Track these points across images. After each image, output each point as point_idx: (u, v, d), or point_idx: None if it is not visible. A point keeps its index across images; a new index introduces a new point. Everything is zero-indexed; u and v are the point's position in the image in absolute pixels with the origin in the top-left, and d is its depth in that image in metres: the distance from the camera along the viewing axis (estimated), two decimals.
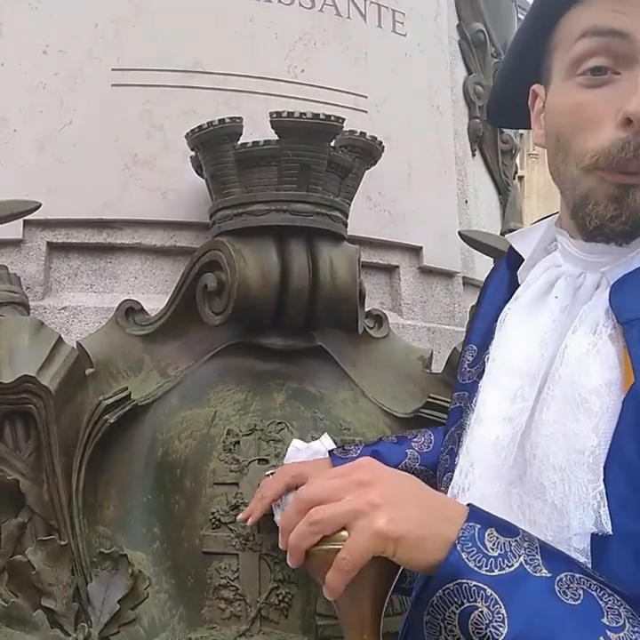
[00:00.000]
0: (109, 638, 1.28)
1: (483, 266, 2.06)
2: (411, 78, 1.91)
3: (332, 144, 1.46)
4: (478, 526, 0.69)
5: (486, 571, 0.66)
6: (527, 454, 0.80)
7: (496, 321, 0.91)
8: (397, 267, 1.87)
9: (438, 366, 1.67)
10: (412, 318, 1.86)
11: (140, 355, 1.49)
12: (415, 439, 1.26)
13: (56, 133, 1.63)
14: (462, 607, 0.66)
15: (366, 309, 1.64)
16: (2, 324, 1.34)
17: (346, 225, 1.53)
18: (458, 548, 0.67)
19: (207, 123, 1.44)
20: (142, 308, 1.52)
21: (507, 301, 0.91)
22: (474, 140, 2.15)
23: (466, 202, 2.10)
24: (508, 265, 0.96)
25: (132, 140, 1.64)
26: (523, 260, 0.92)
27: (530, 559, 0.67)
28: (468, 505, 0.73)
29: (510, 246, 0.95)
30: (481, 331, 0.97)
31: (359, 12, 1.84)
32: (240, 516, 1.30)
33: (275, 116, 1.40)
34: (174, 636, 1.30)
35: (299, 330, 1.51)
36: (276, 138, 1.41)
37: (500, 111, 1.01)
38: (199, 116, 1.56)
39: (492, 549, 0.68)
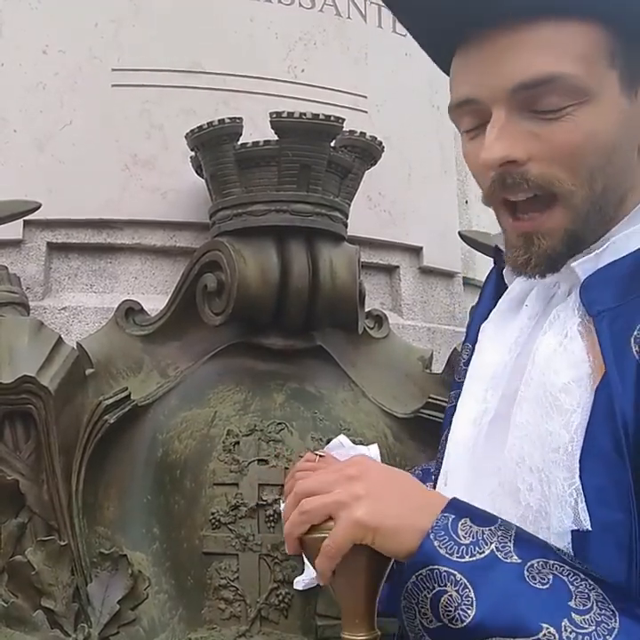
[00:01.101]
0: (109, 639, 1.28)
1: (483, 266, 2.06)
2: (411, 78, 1.91)
3: (332, 144, 1.46)
4: (452, 517, 0.73)
5: (457, 557, 0.70)
6: (504, 458, 0.82)
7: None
8: (397, 267, 1.87)
9: (438, 367, 1.67)
10: (412, 318, 1.86)
11: (139, 355, 1.49)
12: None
13: (56, 133, 1.63)
14: (433, 591, 0.70)
15: (366, 310, 1.64)
16: (2, 324, 1.34)
17: (346, 225, 1.53)
18: (431, 536, 0.71)
19: (207, 123, 1.44)
20: (142, 308, 1.52)
21: (495, 304, 0.94)
22: None
23: (466, 202, 2.10)
24: (496, 266, 0.98)
25: (132, 140, 1.64)
26: None
27: (501, 546, 0.71)
28: (451, 498, 0.76)
29: (496, 246, 0.96)
30: (474, 332, 0.99)
31: (359, 12, 1.84)
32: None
33: (274, 116, 1.40)
34: (174, 636, 1.30)
35: (299, 330, 1.50)
36: (276, 138, 1.41)
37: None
38: (199, 116, 1.56)
39: (464, 538, 0.71)
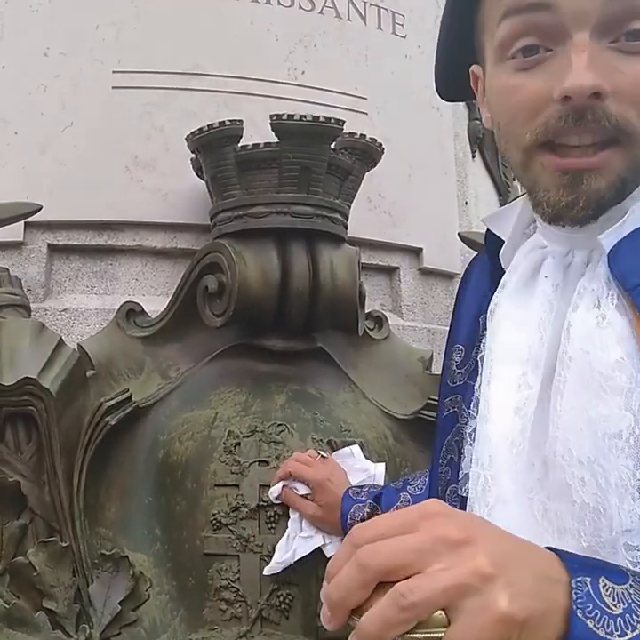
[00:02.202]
0: (110, 639, 1.28)
1: None
2: (411, 80, 1.91)
3: (333, 146, 1.46)
4: (589, 579, 0.54)
5: (619, 635, 0.52)
6: (547, 453, 0.71)
7: (481, 316, 0.85)
8: (397, 268, 1.88)
9: (438, 367, 1.67)
10: (412, 319, 1.86)
11: (140, 356, 1.49)
12: (411, 482, 1.25)
13: (57, 135, 1.63)
14: None
15: (366, 311, 1.64)
16: (3, 326, 1.35)
17: (346, 227, 1.53)
18: (579, 615, 0.52)
19: (207, 125, 1.44)
20: (143, 309, 1.52)
21: (491, 292, 0.83)
22: (474, 142, 2.15)
23: (466, 203, 2.10)
24: (488, 250, 0.88)
25: (133, 142, 1.65)
26: (502, 242, 0.85)
27: None
28: (558, 552, 0.57)
29: (487, 230, 0.87)
30: (466, 328, 0.90)
31: (359, 14, 1.84)
32: None
33: (275, 118, 1.40)
34: (175, 637, 1.31)
35: (299, 331, 1.51)
36: (277, 140, 1.42)
37: (447, 86, 0.92)
38: (200, 118, 1.56)
39: (614, 606, 0.53)
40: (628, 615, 0.53)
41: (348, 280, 1.49)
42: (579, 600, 0.52)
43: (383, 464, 1.38)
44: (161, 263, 1.67)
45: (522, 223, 0.84)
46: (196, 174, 1.58)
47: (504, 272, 0.82)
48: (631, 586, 0.55)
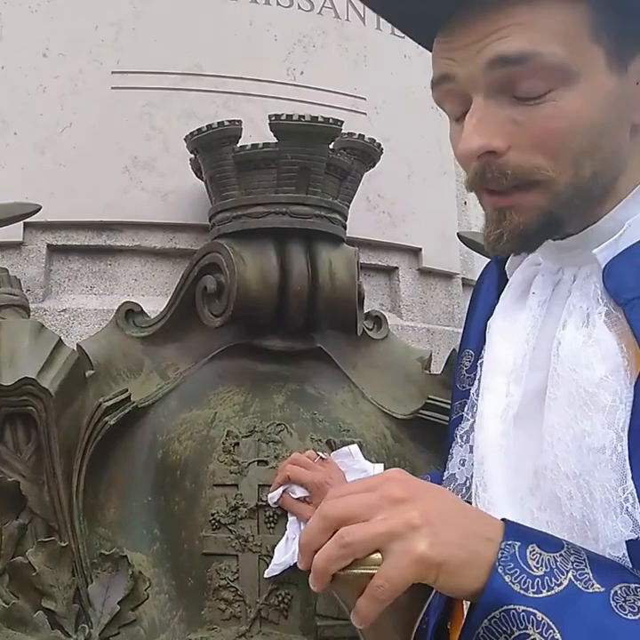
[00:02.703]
0: (110, 639, 1.29)
1: (482, 267, 2.06)
2: (410, 80, 1.91)
3: (331, 146, 1.46)
4: (518, 544, 0.63)
5: (533, 593, 0.61)
6: (538, 464, 0.75)
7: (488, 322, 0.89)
8: (397, 268, 1.88)
9: (437, 367, 1.68)
10: (411, 319, 1.86)
11: (139, 356, 1.49)
12: None
13: (56, 136, 1.63)
14: (513, 636, 0.60)
15: (366, 311, 1.64)
16: (2, 326, 1.35)
17: (345, 227, 1.53)
18: (500, 570, 0.61)
19: (206, 125, 1.44)
20: (142, 309, 1.52)
21: (497, 301, 0.89)
22: None
23: (465, 203, 2.10)
24: (496, 261, 0.93)
25: (132, 142, 1.65)
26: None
27: (579, 574, 0.62)
28: (502, 520, 0.66)
29: None
30: (476, 334, 0.94)
31: (358, 14, 1.84)
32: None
33: (274, 118, 1.40)
34: (174, 636, 1.31)
35: (298, 331, 1.51)
36: (275, 140, 1.42)
37: None
38: (199, 119, 1.57)
39: (537, 568, 0.62)
40: (546, 578, 0.61)
41: (346, 280, 1.49)
42: (502, 558, 0.62)
43: (382, 464, 1.37)
44: (160, 263, 1.67)
45: None
46: (195, 174, 1.58)
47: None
48: (561, 556, 0.63)
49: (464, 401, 0.92)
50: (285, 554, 1.29)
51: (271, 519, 1.34)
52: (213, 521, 1.34)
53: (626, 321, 0.72)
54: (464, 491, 0.84)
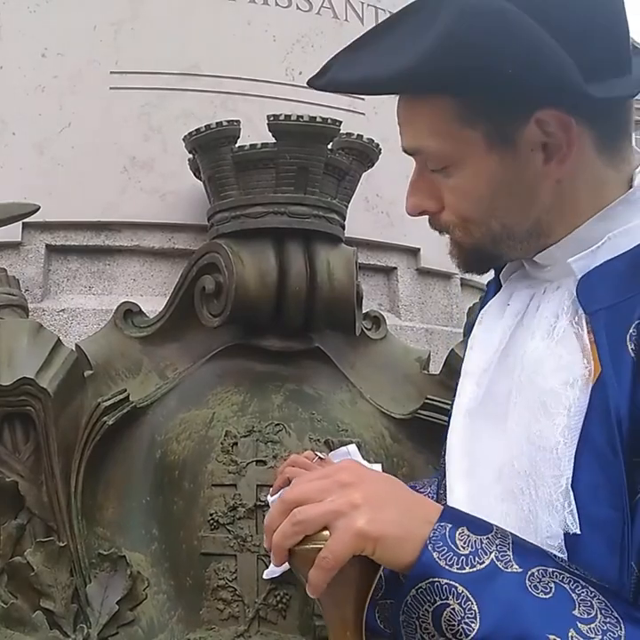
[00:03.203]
0: (108, 639, 1.29)
1: None
2: None
3: (330, 146, 1.46)
4: (449, 526, 0.71)
5: (457, 569, 0.68)
6: (498, 462, 0.83)
7: None
8: (395, 268, 1.88)
9: (436, 367, 1.68)
10: (409, 319, 1.86)
11: (138, 356, 1.49)
12: (420, 490, 1.26)
13: (55, 136, 1.63)
14: (435, 605, 0.68)
15: (364, 311, 1.64)
16: (1, 326, 1.35)
17: (343, 227, 1.54)
18: (429, 547, 0.69)
19: (205, 126, 1.45)
20: (141, 309, 1.52)
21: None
22: None
23: None
24: (494, 271, 1.00)
25: (131, 142, 1.65)
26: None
27: (501, 555, 0.69)
28: (444, 505, 0.75)
29: None
30: None
31: (356, 14, 1.85)
32: None
33: (272, 118, 1.40)
34: (173, 636, 1.31)
35: (297, 331, 1.51)
36: (274, 140, 1.42)
37: None
38: (197, 119, 1.57)
39: (463, 548, 0.69)
40: (471, 556, 0.69)
41: (345, 280, 1.49)
42: (433, 537, 0.70)
43: (380, 464, 1.37)
44: (159, 263, 1.67)
45: None
46: (194, 175, 1.58)
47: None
48: (487, 539, 0.71)
49: None
50: None
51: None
52: (212, 521, 1.34)
53: (589, 329, 0.78)
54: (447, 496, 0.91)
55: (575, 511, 0.73)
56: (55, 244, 1.64)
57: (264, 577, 1.30)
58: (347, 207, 1.55)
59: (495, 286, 0.99)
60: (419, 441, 1.51)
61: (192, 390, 1.48)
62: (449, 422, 0.98)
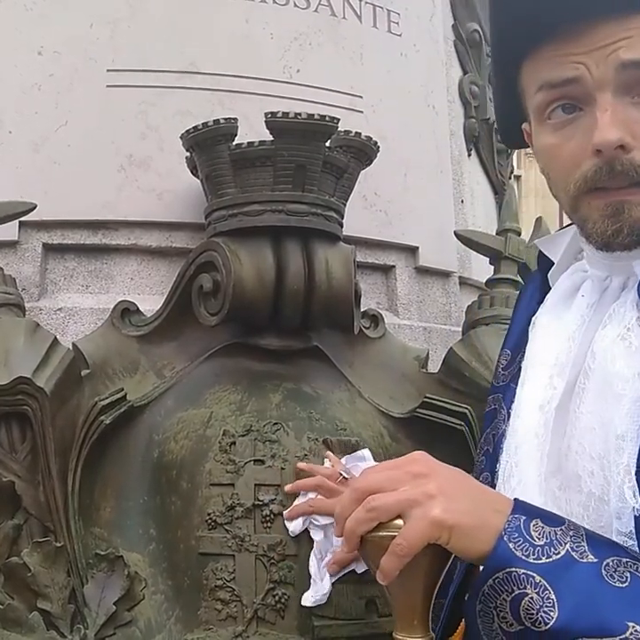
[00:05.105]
0: None
1: (479, 266, 2.06)
2: (406, 78, 1.91)
3: (328, 144, 1.46)
4: (523, 518, 0.73)
5: (534, 559, 0.71)
6: (563, 447, 0.84)
7: (529, 327, 0.97)
8: (393, 266, 1.87)
9: (434, 366, 1.67)
10: (408, 318, 1.86)
11: (135, 356, 1.49)
12: None
13: (51, 134, 1.62)
14: (513, 594, 0.70)
15: (362, 309, 1.64)
16: None
17: (341, 225, 1.53)
18: (505, 538, 0.72)
19: (202, 123, 1.44)
20: (138, 308, 1.52)
21: (539, 306, 0.97)
22: (470, 140, 2.15)
23: (462, 201, 2.10)
24: (540, 269, 1.01)
25: (128, 140, 1.64)
26: (553, 263, 0.97)
27: (576, 546, 0.72)
28: (514, 499, 0.77)
29: (540, 252, 1.01)
30: (514, 336, 1.03)
31: (354, 12, 1.84)
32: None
33: (270, 116, 1.40)
34: (171, 637, 1.30)
35: (295, 330, 1.51)
36: (272, 138, 1.41)
37: (508, 137, 1.09)
38: (194, 117, 1.56)
39: (538, 539, 0.72)
40: (546, 547, 0.71)
41: (343, 278, 1.48)
42: (508, 528, 0.72)
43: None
44: (156, 262, 1.67)
45: (571, 250, 0.97)
46: (191, 173, 1.57)
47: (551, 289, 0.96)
48: (561, 530, 0.73)
49: (498, 395, 1.01)
50: (322, 579, 1.27)
51: (268, 519, 1.33)
52: (210, 521, 1.33)
53: None
54: (506, 475, 0.91)
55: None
56: (52, 243, 1.63)
57: (304, 604, 1.27)
58: (345, 205, 1.55)
59: (539, 286, 1.00)
60: (418, 440, 1.51)
61: (190, 389, 1.48)
62: (488, 413, 1.01)
